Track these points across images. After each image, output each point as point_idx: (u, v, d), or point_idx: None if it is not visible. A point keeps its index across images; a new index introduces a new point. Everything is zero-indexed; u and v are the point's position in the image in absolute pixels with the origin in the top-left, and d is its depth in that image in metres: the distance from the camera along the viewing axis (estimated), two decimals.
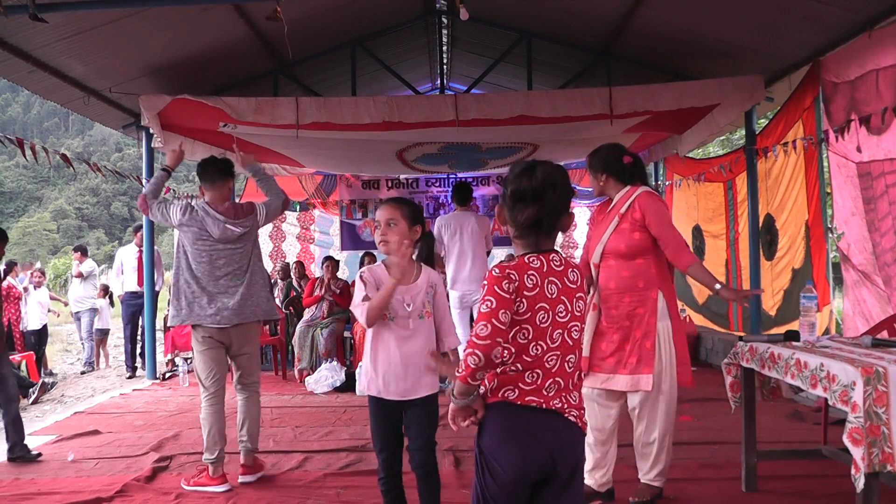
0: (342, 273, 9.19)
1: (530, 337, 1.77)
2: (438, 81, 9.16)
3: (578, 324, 1.84)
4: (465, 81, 9.71)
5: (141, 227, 8.13)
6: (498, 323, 1.72)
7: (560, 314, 1.79)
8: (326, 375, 6.46)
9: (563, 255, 1.87)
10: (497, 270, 1.79)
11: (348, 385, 6.26)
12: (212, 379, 3.75)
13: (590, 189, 10.42)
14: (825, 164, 5.51)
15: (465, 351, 1.78)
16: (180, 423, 5.20)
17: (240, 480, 3.76)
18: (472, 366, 1.74)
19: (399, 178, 10.25)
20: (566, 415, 1.81)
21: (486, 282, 1.79)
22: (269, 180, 4.08)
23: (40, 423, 5.39)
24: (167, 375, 7.35)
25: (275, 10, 3.82)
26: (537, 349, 1.78)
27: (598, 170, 3.29)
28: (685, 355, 3.22)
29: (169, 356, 7.64)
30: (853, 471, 2.38)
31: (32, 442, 4.73)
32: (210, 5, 5.39)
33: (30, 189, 48.67)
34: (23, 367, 7.37)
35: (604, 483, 3.31)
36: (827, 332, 5.25)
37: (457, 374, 1.78)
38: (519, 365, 1.79)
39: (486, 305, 1.75)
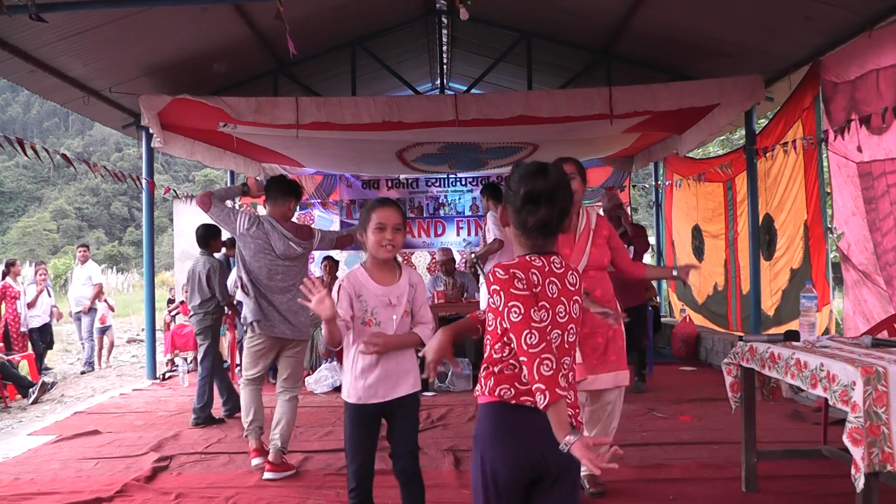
0: (341, 273, 9.20)
1: None
2: (438, 81, 9.16)
3: (575, 326, 1.80)
4: (465, 81, 9.71)
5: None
6: (537, 325, 1.68)
7: (560, 315, 1.76)
8: (326, 375, 6.48)
9: (562, 259, 1.84)
10: (501, 272, 1.73)
11: None
12: (253, 374, 4.07)
13: (590, 189, 10.43)
14: (825, 164, 5.51)
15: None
16: (180, 423, 5.20)
17: (265, 476, 3.88)
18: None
19: (399, 178, 10.25)
20: None
21: (495, 286, 1.73)
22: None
23: (40, 423, 5.38)
24: (167, 375, 7.35)
25: (279, 11, 3.82)
26: None
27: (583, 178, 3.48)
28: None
29: (169, 356, 7.65)
30: (853, 471, 2.38)
31: (32, 442, 4.75)
32: (210, 5, 5.40)
33: (30, 189, 48.62)
34: (23, 366, 7.36)
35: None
36: (826, 332, 5.25)
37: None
38: (515, 363, 1.76)
39: (516, 312, 1.68)
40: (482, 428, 1.81)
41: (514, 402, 1.76)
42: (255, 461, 3.98)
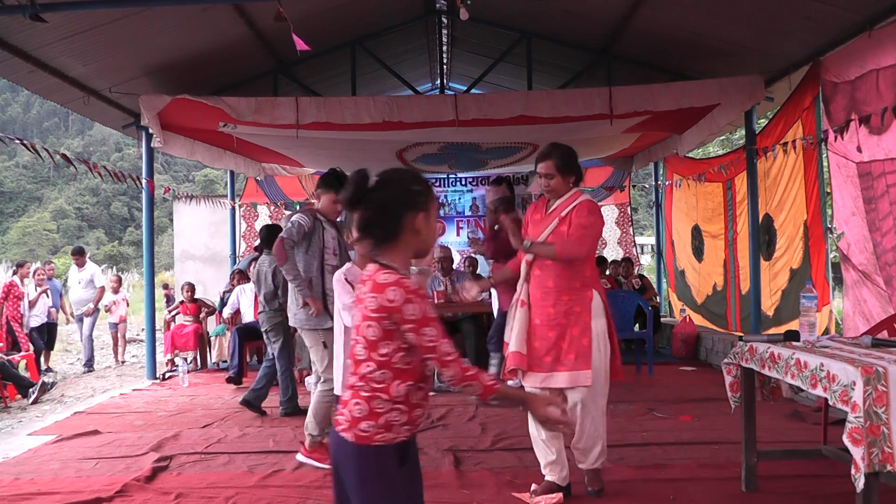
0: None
1: None
2: (438, 81, 9.17)
3: (355, 332, 1.82)
4: (465, 81, 9.71)
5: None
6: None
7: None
8: None
9: (373, 269, 1.81)
10: None
11: None
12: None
13: (590, 189, 10.42)
14: (825, 164, 5.51)
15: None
16: (180, 423, 5.20)
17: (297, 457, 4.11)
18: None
19: None
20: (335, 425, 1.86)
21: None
22: None
23: (40, 423, 5.38)
24: (167, 375, 7.35)
25: (279, 11, 3.82)
26: None
27: (568, 172, 3.32)
28: (616, 351, 3.38)
29: (169, 356, 7.65)
30: (853, 471, 2.38)
31: (32, 442, 4.75)
32: (210, 5, 5.40)
33: (30, 189, 48.61)
34: (22, 366, 7.36)
35: (563, 477, 3.37)
36: (826, 332, 5.25)
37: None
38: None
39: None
40: None
41: None
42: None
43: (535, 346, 3.28)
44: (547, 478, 3.36)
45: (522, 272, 3.41)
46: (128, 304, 9.74)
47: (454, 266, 7.55)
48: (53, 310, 8.83)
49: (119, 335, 9.38)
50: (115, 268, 30.63)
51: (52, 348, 9.13)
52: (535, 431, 3.38)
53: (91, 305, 8.97)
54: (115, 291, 9.48)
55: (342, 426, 1.80)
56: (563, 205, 3.32)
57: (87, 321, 8.95)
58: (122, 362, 9.25)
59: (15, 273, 8.53)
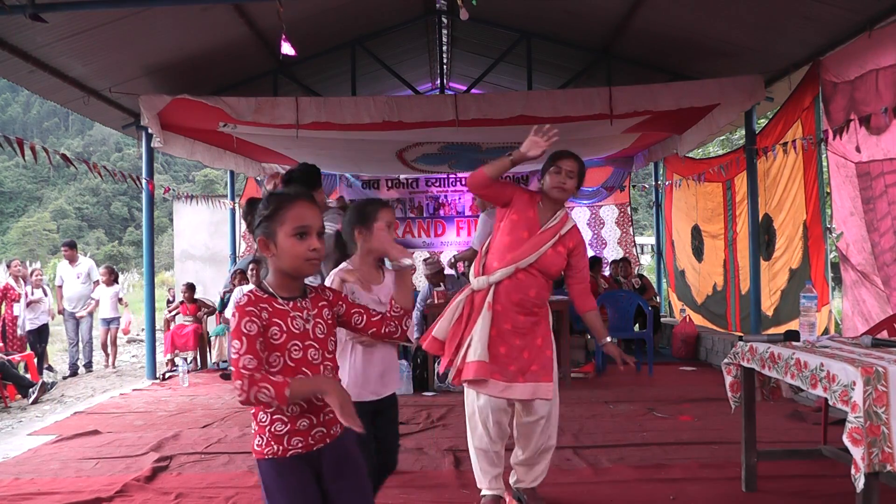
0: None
1: None
2: (438, 81, 9.16)
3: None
4: (465, 81, 9.71)
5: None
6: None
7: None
8: None
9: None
10: None
11: None
12: None
13: (590, 189, 10.41)
14: (824, 164, 5.51)
15: None
16: (180, 423, 5.20)
17: None
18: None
19: (399, 178, 10.26)
20: None
21: None
22: None
23: (40, 423, 5.38)
24: (167, 375, 7.35)
25: (278, 11, 3.82)
26: None
27: (579, 183, 3.20)
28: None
29: (168, 356, 7.65)
30: (853, 471, 2.38)
31: (32, 442, 4.75)
32: (210, 5, 5.40)
33: (30, 189, 48.63)
34: (21, 366, 7.36)
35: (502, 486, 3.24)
36: (826, 332, 5.25)
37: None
38: None
39: None
40: None
41: None
42: None
43: (500, 352, 3.03)
44: (494, 491, 3.19)
45: (500, 274, 3.14)
46: (121, 302, 9.30)
47: (443, 276, 7.36)
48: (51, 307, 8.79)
49: (110, 340, 8.98)
50: (114, 268, 30.61)
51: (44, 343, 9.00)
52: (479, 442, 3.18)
53: (92, 303, 8.80)
54: (108, 285, 8.86)
55: None
56: (561, 223, 3.11)
57: (85, 321, 8.72)
58: (115, 367, 9.08)
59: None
